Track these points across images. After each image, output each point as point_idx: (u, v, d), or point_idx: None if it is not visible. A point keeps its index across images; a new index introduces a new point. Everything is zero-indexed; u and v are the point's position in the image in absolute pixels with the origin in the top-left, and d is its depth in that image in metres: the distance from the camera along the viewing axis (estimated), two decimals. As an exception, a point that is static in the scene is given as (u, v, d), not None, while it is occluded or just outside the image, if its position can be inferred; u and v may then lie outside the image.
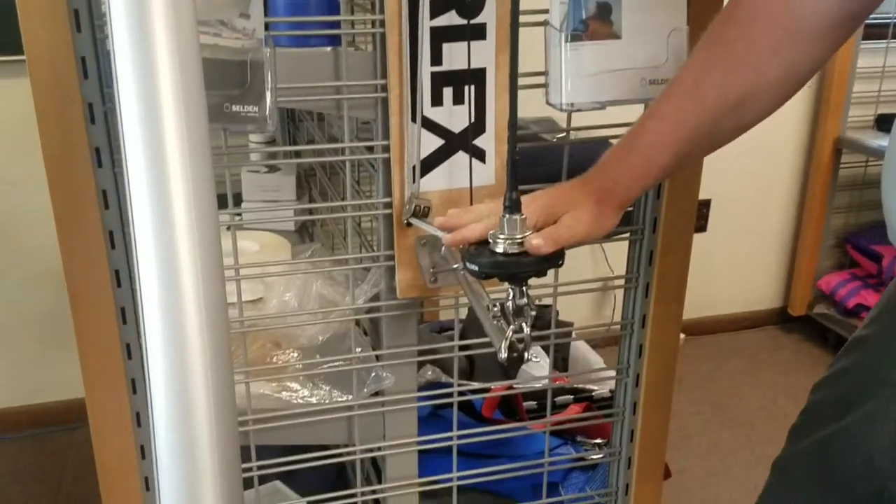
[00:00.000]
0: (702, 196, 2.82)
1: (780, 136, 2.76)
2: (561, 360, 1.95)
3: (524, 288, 0.81)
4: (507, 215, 0.78)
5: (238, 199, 1.75)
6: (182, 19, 0.46)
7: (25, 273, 2.18)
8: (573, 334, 1.88)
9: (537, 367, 1.75)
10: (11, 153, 2.02)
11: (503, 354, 0.82)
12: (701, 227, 2.77)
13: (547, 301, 1.22)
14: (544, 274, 0.80)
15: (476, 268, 0.79)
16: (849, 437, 0.80)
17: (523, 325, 0.82)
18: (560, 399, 1.61)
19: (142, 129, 0.47)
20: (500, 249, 0.79)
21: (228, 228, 0.96)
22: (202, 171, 0.49)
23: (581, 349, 1.98)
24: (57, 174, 0.87)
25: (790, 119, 2.75)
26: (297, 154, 1.97)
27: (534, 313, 0.83)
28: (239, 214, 1.27)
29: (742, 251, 2.87)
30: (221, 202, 0.95)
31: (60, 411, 2.23)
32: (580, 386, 1.68)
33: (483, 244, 0.80)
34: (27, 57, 0.83)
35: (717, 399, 2.56)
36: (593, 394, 1.66)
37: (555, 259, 0.79)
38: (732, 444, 2.33)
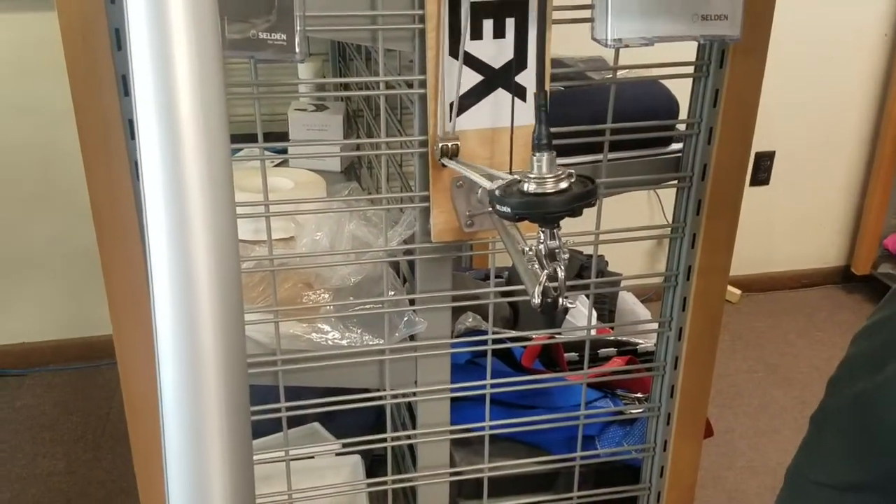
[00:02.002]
0: (765, 147, 2.75)
1: (850, 87, 2.62)
2: (608, 312, 1.91)
3: (556, 230, 0.77)
4: (536, 154, 0.73)
5: (284, 138, 1.73)
6: None
7: (72, 205, 2.20)
8: (621, 285, 1.83)
9: (582, 318, 1.72)
10: (63, 82, 2.03)
11: (536, 300, 0.79)
12: (763, 179, 2.68)
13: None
14: (579, 213, 0.75)
15: (506, 209, 0.76)
16: (887, 390, 0.76)
17: (557, 269, 0.79)
18: (603, 352, 1.58)
19: (151, 56, 0.44)
20: (530, 189, 0.75)
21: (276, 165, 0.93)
22: (213, 102, 0.47)
23: (629, 301, 1.94)
24: (83, 104, 0.85)
25: (862, 68, 2.61)
26: (346, 91, 1.95)
27: (566, 256, 0.79)
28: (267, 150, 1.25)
29: (805, 206, 2.77)
30: (256, 138, 0.92)
31: (109, 345, 2.27)
32: (624, 339, 1.64)
33: (513, 184, 0.77)
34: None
35: (770, 358, 2.50)
36: (637, 347, 1.62)
37: (587, 197, 0.75)
38: (783, 404, 2.28)
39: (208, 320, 0.49)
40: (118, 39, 0.83)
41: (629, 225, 1.07)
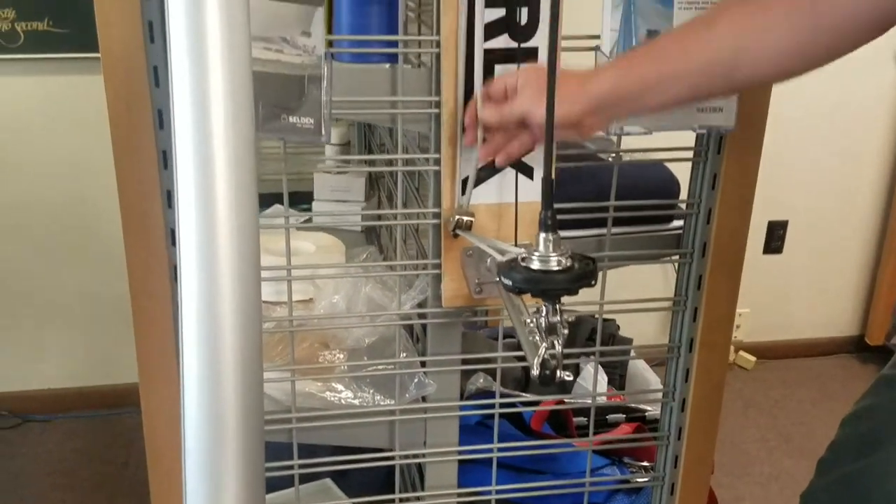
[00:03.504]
0: (779, 217, 2.79)
1: (862, 157, 2.68)
2: (618, 377, 1.94)
3: (557, 305, 0.82)
4: (542, 234, 0.79)
5: (309, 197, 1.81)
6: (236, 38, 0.50)
7: (101, 257, 2.29)
8: (630, 353, 1.87)
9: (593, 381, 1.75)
10: (100, 141, 2.13)
11: (535, 371, 0.84)
12: (777, 248, 2.72)
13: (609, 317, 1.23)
14: (576, 292, 0.81)
15: (509, 282, 0.81)
16: (871, 475, 0.79)
17: (555, 342, 0.84)
18: (612, 417, 1.61)
19: (193, 133, 0.50)
20: (534, 266, 0.81)
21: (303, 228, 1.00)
22: (245, 174, 0.52)
23: (639, 367, 1.97)
24: (125, 175, 0.92)
25: (873, 139, 2.67)
26: (369, 153, 2.03)
27: (566, 331, 0.84)
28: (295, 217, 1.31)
29: (819, 275, 2.80)
30: (291, 201, 0.99)
31: (131, 393, 2.32)
32: (634, 405, 1.67)
33: (518, 259, 0.82)
34: (102, 58, 0.89)
35: (783, 427, 2.51)
36: (646, 414, 1.65)
37: (586, 277, 0.80)
38: (795, 474, 2.28)
39: (230, 380, 0.54)
40: (160, 119, 0.91)
41: (644, 289, 1.12)
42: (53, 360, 2.39)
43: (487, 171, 0.99)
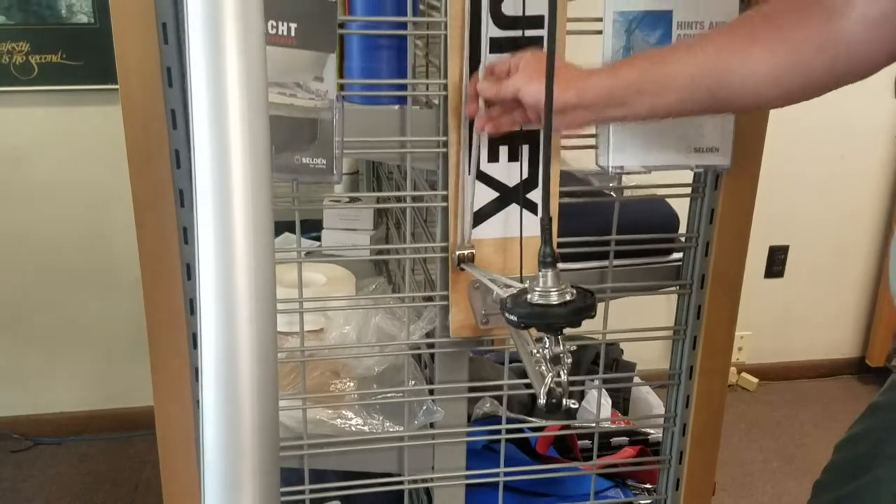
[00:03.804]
0: (780, 242, 2.82)
1: (862, 183, 2.72)
2: (622, 400, 1.97)
3: (559, 337, 0.86)
4: (542, 270, 0.83)
5: (318, 226, 1.84)
6: (253, 81, 0.53)
7: (116, 283, 2.33)
8: (632, 380, 1.89)
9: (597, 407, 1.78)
10: (112, 170, 2.18)
11: (542, 400, 0.87)
12: (778, 272, 2.75)
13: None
14: (578, 324, 0.84)
15: (513, 317, 0.85)
16: (861, 497, 0.83)
17: (560, 372, 0.87)
18: (615, 440, 1.64)
19: (212, 174, 0.53)
20: (536, 300, 0.84)
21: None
22: (262, 214, 0.56)
23: (643, 391, 1.99)
24: (144, 213, 0.96)
25: (873, 165, 2.71)
26: (378, 189, 2.06)
27: (570, 361, 0.87)
28: (308, 251, 1.34)
29: (820, 298, 2.83)
30: (292, 226, 1.02)
31: (142, 417, 2.37)
32: (637, 428, 1.70)
33: (521, 294, 0.86)
34: (122, 102, 0.93)
35: (786, 448, 2.53)
36: (649, 437, 1.67)
37: (586, 310, 0.83)
38: (797, 495, 2.30)
39: (247, 410, 0.57)
40: (178, 158, 0.95)
41: (648, 314, 1.16)
42: (65, 383, 2.43)
43: (493, 207, 1.03)
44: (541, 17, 0.95)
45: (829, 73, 0.76)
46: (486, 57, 0.94)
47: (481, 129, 0.96)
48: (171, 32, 0.90)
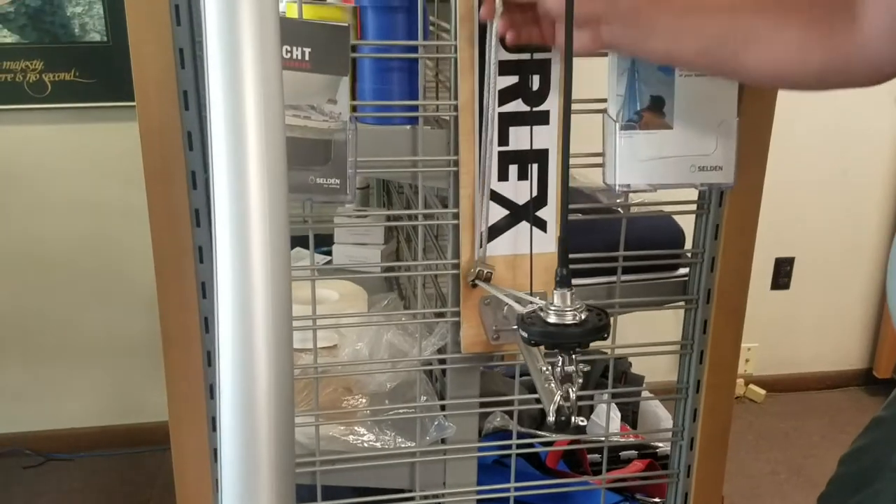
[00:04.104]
0: (785, 254, 2.83)
1: (866, 195, 2.73)
2: (631, 413, 1.98)
3: (572, 356, 0.87)
4: (558, 290, 0.84)
5: (329, 241, 1.86)
6: (271, 104, 0.55)
7: (126, 300, 2.35)
8: (641, 394, 1.90)
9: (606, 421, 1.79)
10: (125, 187, 2.20)
11: (551, 417, 0.89)
12: (784, 284, 2.76)
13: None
14: (587, 345, 0.86)
15: (527, 335, 0.86)
16: None
17: (570, 391, 0.88)
18: (625, 454, 1.65)
19: (229, 194, 0.55)
20: (550, 319, 0.85)
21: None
22: (279, 235, 0.57)
23: (651, 404, 2.01)
24: (160, 232, 0.98)
25: (877, 177, 2.72)
26: (389, 207, 2.08)
27: (581, 380, 0.89)
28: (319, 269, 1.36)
29: (826, 310, 2.83)
30: (303, 240, 1.03)
31: (153, 432, 2.38)
32: (646, 442, 1.71)
33: (536, 312, 0.87)
34: (140, 126, 0.95)
35: (794, 459, 2.53)
36: (658, 451, 1.68)
37: (600, 331, 0.85)
38: (805, 507, 2.30)
39: (264, 426, 0.59)
40: (194, 180, 0.97)
41: (657, 327, 1.17)
42: (76, 399, 2.45)
43: (503, 224, 1.05)
44: (549, 39, 0.97)
45: (843, 69, 0.78)
46: (496, 80, 0.96)
47: (502, 33, 0.91)
48: (188, 57, 0.92)
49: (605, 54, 0.97)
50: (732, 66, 0.84)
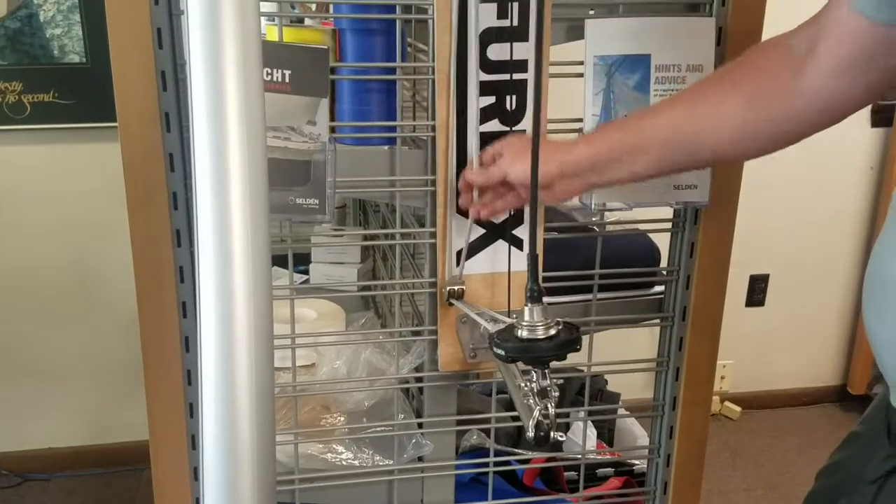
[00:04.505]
0: (760, 271, 2.86)
1: (840, 214, 2.77)
2: (607, 431, 1.99)
3: (546, 371, 0.88)
4: (529, 305, 0.86)
5: (306, 260, 1.87)
6: (253, 127, 0.56)
7: (107, 318, 2.34)
8: (616, 412, 1.92)
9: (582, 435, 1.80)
10: (103, 207, 2.20)
11: (530, 433, 0.90)
12: (759, 301, 2.79)
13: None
14: (564, 357, 0.87)
15: (501, 352, 0.88)
16: None
17: (548, 405, 0.90)
18: (601, 471, 1.66)
19: (212, 217, 0.56)
20: (523, 335, 0.87)
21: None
22: (260, 258, 0.58)
23: (627, 422, 2.02)
24: (141, 253, 0.99)
25: (850, 198, 2.76)
26: (365, 226, 2.09)
27: (556, 394, 0.90)
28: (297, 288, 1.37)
29: (801, 327, 2.87)
30: (281, 260, 1.05)
31: (130, 452, 2.36)
32: (622, 459, 1.72)
33: (508, 329, 0.89)
34: (122, 148, 0.96)
35: (769, 476, 2.55)
36: (634, 468, 1.70)
37: (572, 344, 0.86)
38: (781, 523, 2.33)
39: (246, 446, 0.60)
40: (175, 200, 0.98)
41: (632, 345, 1.18)
42: (53, 419, 2.43)
43: (480, 242, 1.06)
44: (524, 62, 0.99)
45: (799, 123, 0.80)
46: (476, 100, 0.98)
47: (476, 216, 1.00)
48: (170, 80, 0.93)
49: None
50: (694, 163, 0.89)
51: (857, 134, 2.70)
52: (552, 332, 0.88)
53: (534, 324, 0.88)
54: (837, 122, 0.80)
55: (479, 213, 0.99)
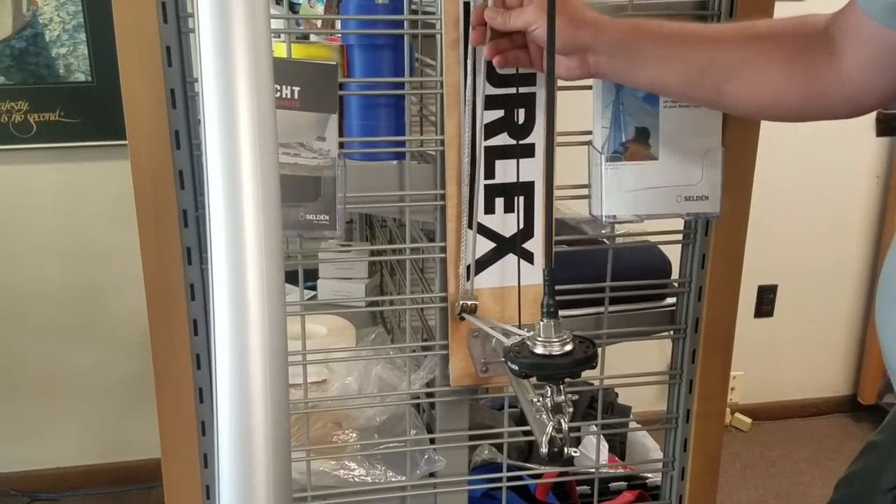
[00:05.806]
0: (768, 281, 2.85)
1: (847, 224, 2.77)
2: (619, 444, 1.98)
3: (561, 387, 0.88)
4: (544, 321, 0.85)
5: (314, 276, 1.86)
6: (265, 143, 0.56)
7: (113, 337, 2.34)
8: (628, 425, 1.91)
9: (594, 449, 1.79)
10: (109, 225, 2.20)
11: (544, 449, 0.89)
12: (767, 311, 2.78)
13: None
14: (579, 375, 0.86)
15: (515, 367, 0.87)
16: None
17: (562, 421, 0.89)
18: (614, 485, 1.65)
19: (226, 232, 0.55)
20: (538, 351, 0.86)
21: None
22: (275, 279, 0.58)
23: (639, 435, 2.01)
24: (151, 272, 0.98)
25: (857, 207, 2.76)
26: (372, 241, 2.09)
27: (571, 410, 0.89)
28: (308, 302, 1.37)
29: (810, 337, 2.86)
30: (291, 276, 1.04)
31: (139, 470, 2.36)
32: (635, 473, 1.71)
33: (523, 344, 0.88)
34: (132, 166, 0.96)
35: (781, 487, 2.54)
36: (647, 481, 1.68)
37: (588, 361, 0.86)
38: (794, 535, 2.31)
39: (262, 464, 0.59)
40: (185, 217, 0.97)
41: (641, 358, 1.18)
42: (61, 438, 2.42)
43: (490, 256, 1.06)
44: (532, 75, 0.99)
45: (822, 102, 0.80)
46: (483, 115, 0.98)
47: (489, 57, 0.92)
48: (179, 98, 0.93)
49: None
50: (715, 96, 0.86)
51: (862, 143, 2.70)
52: (567, 347, 0.87)
53: (549, 340, 0.87)
54: (858, 114, 0.80)
55: (492, 56, 0.91)
